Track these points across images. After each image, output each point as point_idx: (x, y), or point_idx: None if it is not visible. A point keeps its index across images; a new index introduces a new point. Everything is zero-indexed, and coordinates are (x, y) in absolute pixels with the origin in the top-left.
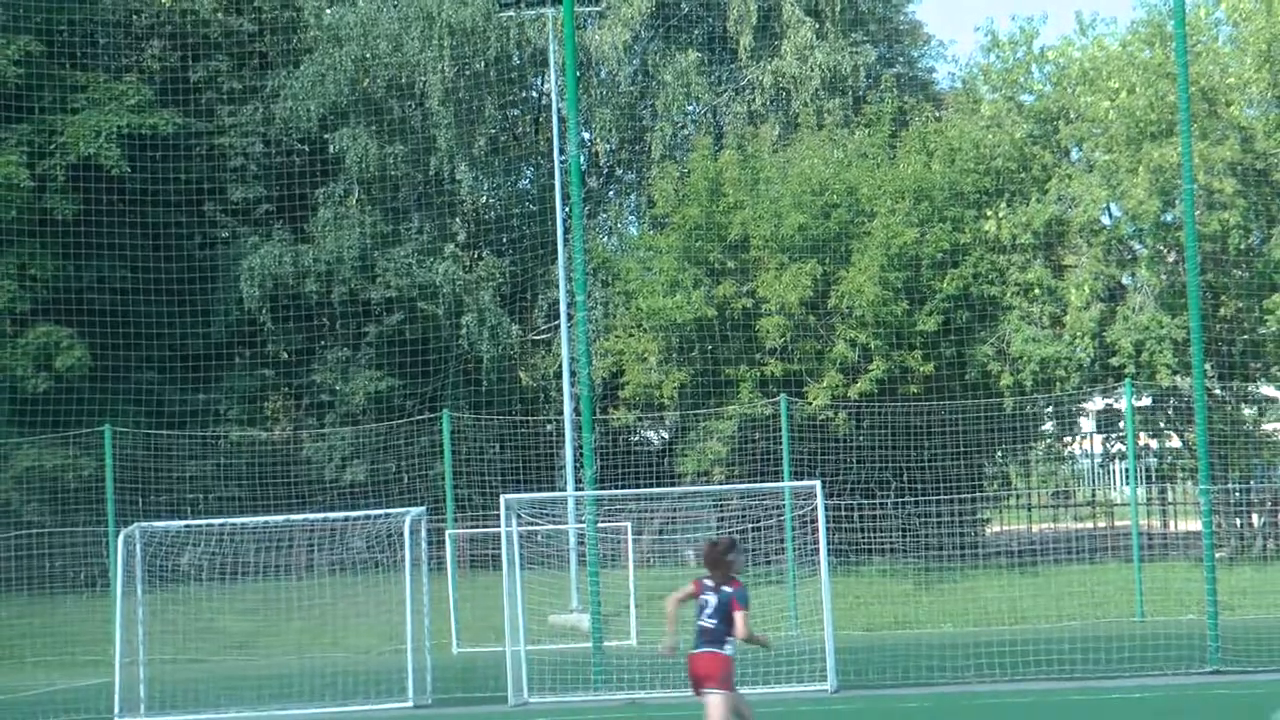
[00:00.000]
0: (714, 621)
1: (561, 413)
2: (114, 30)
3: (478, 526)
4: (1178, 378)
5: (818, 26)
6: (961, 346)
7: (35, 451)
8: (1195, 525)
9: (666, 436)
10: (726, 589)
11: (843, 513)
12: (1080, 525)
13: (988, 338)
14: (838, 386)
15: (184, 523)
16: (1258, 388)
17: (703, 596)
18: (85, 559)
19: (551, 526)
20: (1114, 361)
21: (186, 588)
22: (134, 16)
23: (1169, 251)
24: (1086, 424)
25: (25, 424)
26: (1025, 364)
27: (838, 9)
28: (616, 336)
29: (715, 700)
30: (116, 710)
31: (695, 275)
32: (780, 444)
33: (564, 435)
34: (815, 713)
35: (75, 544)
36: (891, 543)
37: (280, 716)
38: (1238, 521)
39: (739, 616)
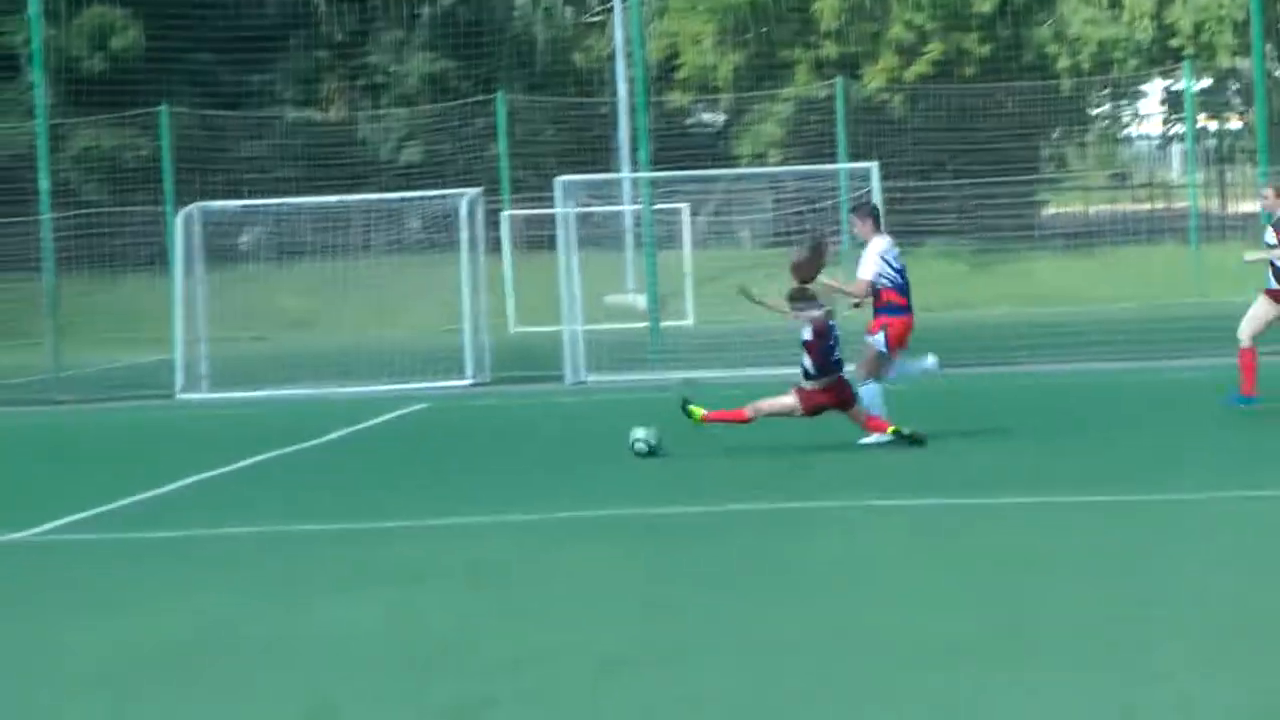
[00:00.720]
0: None
1: (617, 94)
2: None
3: (534, 208)
4: (1237, 59)
5: None
6: (1019, 28)
7: (93, 132)
8: (1253, 207)
9: (722, 119)
10: None
11: (898, 194)
12: (1138, 207)
13: (1045, 19)
14: (894, 69)
15: (242, 203)
16: None
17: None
18: (145, 238)
19: (608, 208)
20: (1173, 43)
21: (246, 267)
22: None
23: None
24: (1145, 106)
25: (82, 105)
26: (1083, 46)
27: None
28: (671, 18)
29: None
30: (179, 387)
31: None
32: (836, 127)
33: (619, 117)
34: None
35: (134, 223)
36: (947, 224)
37: (340, 394)
38: None
39: None
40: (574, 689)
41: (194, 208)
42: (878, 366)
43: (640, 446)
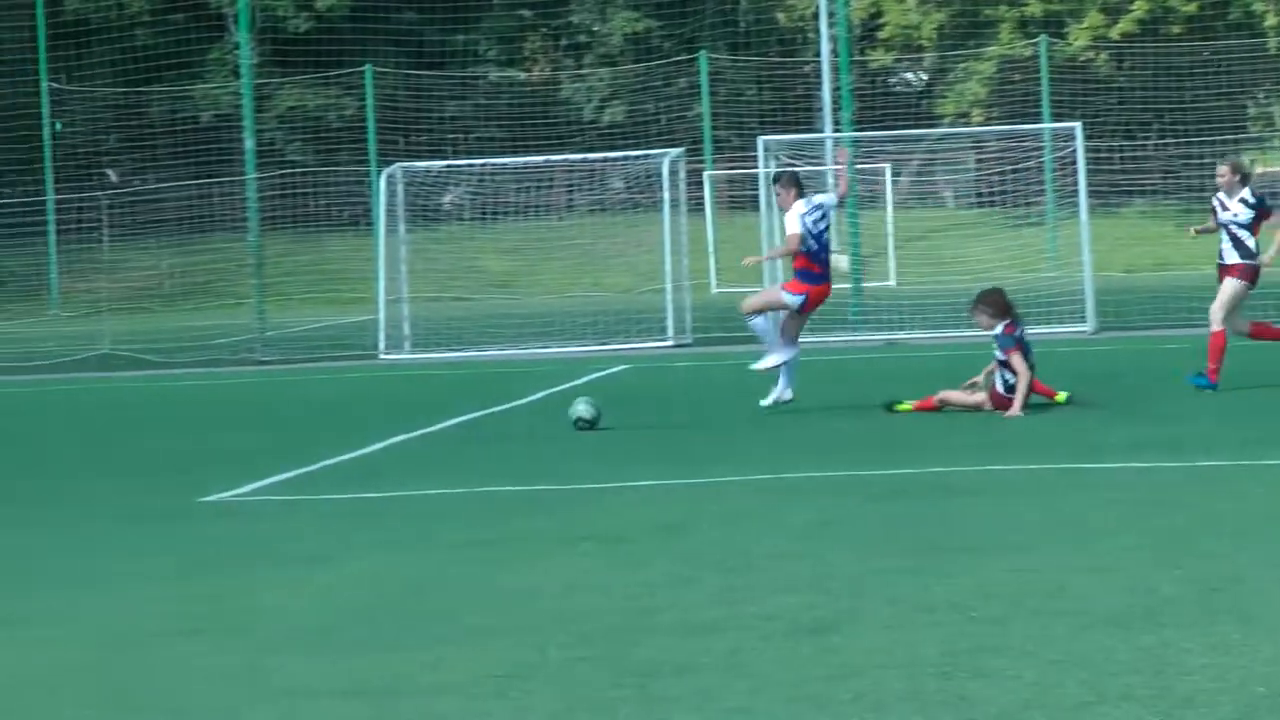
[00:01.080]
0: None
1: (819, 54)
2: None
3: (735, 168)
4: None
5: None
6: None
7: (298, 92)
8: None
9: (925, 78)
10: None
11: (1102, 154)
12: None
13: None
14: (1099, 26)
15: (445, 163)
16: None
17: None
18: (348, 198)
19: (810, 167)
20: None
21: (448, 227)
22: None
23: None
24: None
25: (287, 64)
26: None
27: None
28: None
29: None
30: (381, 347)
31: None
32: (1040, 85)
33: (821, 76)
34: (1075, 354)
35: (338, 183)
36: (1152, 184)
37: (541, 355)
38: None
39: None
40: (772, 654)
41: (397, 167)
42: (769, 309)
43: (580, 409)
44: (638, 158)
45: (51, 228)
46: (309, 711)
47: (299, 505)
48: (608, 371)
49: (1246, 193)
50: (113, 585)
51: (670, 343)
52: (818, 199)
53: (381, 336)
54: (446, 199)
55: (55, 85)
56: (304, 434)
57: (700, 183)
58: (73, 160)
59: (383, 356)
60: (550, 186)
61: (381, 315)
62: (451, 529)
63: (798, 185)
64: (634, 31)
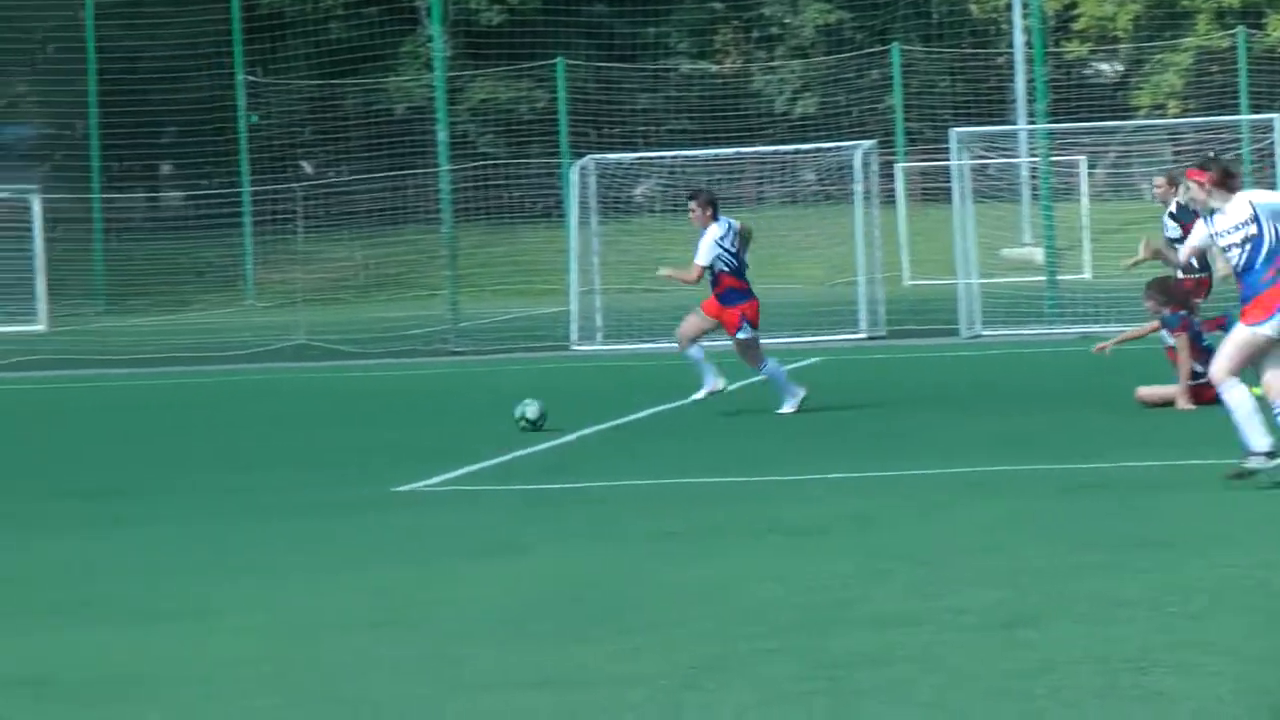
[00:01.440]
0: None
1: (1013, 45)
2: None
3: (928, 160)
4: None
5: None
6: None
7: (490, 84)
8: None
9: (1120, 69)
10: None
11: None
12: None
13: None
14: None
15: (636, 154)
16: None
17: None
18: (540, 190)
19: (1003, 159)
20: None
21: (639, 219)
22: None
23: None
24: None
25: (480, 57)
26: None
27: None
28: None
29: None
30: (574, 338)
31: None
32: (1237, 77)
33: (1015, 68)
34: None
35: (530, 175)
36: None
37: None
38: None
39: None
40: (966, 648)
41: (589, 159)
42: (757, 351)
43: (522, 411)
44: (830, 150)
45: (247, 219)
46: (497, 702)
47: (490, 496)
48: (801, 364)
49: (1174, 205)
50: (305, 575)
51: (863, 335)
52: (726, 220)
53: (574, 327)
54: (638, 191)
55: (251, 78)
56: (497, 425)
57: (892, 175)
58: (268, 152)
59: (575, 348)
60: (742, 178)
61: (574, 306)
62: (641, 520)
63: (714, 205)
64: (826, 23)
